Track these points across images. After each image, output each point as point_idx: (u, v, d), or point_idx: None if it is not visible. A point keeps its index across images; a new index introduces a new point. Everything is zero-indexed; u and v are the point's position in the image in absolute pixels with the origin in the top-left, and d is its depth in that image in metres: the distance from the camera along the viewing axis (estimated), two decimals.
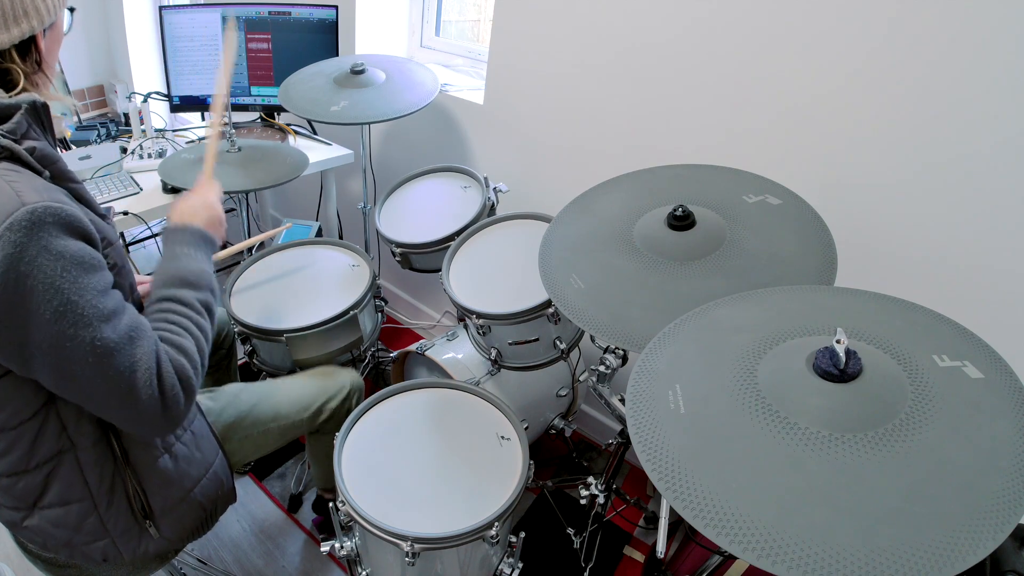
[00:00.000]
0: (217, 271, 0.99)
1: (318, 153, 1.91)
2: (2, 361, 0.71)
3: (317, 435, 1.31)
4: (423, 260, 1.51)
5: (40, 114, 0.76)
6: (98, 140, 1.99)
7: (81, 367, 0.70)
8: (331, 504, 1.06)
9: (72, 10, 0.85)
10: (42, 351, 0.68)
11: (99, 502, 0.86)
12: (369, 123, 1.57)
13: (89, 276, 0.70)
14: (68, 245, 0.68)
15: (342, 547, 1.12)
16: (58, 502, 0.85)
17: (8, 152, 0.69)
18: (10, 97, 0.73)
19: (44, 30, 0.76)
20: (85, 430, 0.82)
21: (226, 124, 1.64)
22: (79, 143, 1.92)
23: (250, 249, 1.97)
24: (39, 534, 0.87)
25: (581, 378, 1.66)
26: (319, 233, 1.73)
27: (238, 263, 1.56)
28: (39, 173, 0.72)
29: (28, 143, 0.72)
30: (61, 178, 0.75)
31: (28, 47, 0.75)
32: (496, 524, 1.00)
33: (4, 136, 0.69)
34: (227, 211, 1.22)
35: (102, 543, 0.89)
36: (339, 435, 1.13)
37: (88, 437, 0.83)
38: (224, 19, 1.90)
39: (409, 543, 0.97)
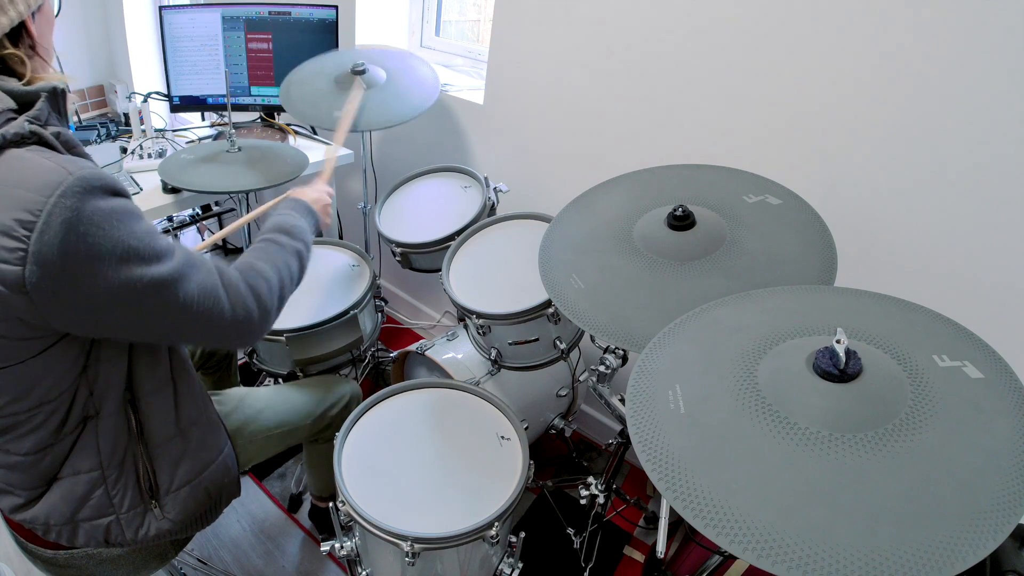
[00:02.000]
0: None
1: (318, 153, 1.91)
2: (73, 327, 0.73)
3: (315, 443, 1.32)
4: (423, 260, 1.51)
5: (59, 101, 0.78)
6: (98, 140, 1.98)
7: (153, 305, 0.74)
8: (331, 504, 1.06)
9: None
10: (115, 300, 0.71)
11: (108, 475, 0.87)
12: (371, 131, 1.57)
13: (140, 222, 0.73)
14: (115, 202, 0.71)
15: (342, 547, 1.12)
16: (70, 472, 0.86)
17: (37, 137, 0.71)
18: (24, 85, 0.75)
19: (32, 14, 0.77)
20: (111, 397, 0.84)
21: (226, 124, 1.65)
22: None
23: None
24: (44, 512, 0.87)
25: (581, 378, 1.66)
26: (319, 233, 1.73)
27: None
28: None
29: (52, 128, 0.74)
30: None
31: (19, 32, 0.76)
32: (496, 524, 1.00)
33: (31, 122, 0.71)
34: (227, 211, 1.22)
35: (107, 520, 0.89)
36: (339, 435, 1.13)
37: (110, 405, 0.84)
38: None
39: (409, 543, 0.97)
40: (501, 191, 1.52)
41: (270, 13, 1.90)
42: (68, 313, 0.70)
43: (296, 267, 0.98)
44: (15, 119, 0.70)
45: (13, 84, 0.74)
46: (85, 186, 0.67)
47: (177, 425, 0.93)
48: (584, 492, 1.30)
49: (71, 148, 0.75)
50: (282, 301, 0.93)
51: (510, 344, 1.29)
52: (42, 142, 0.71)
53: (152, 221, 0.83)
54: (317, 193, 1.19)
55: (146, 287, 0.72)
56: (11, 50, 0.75)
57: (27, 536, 0.92)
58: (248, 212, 2.04)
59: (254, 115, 2.10)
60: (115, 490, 0.88)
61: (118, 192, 0.72)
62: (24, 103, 0.73)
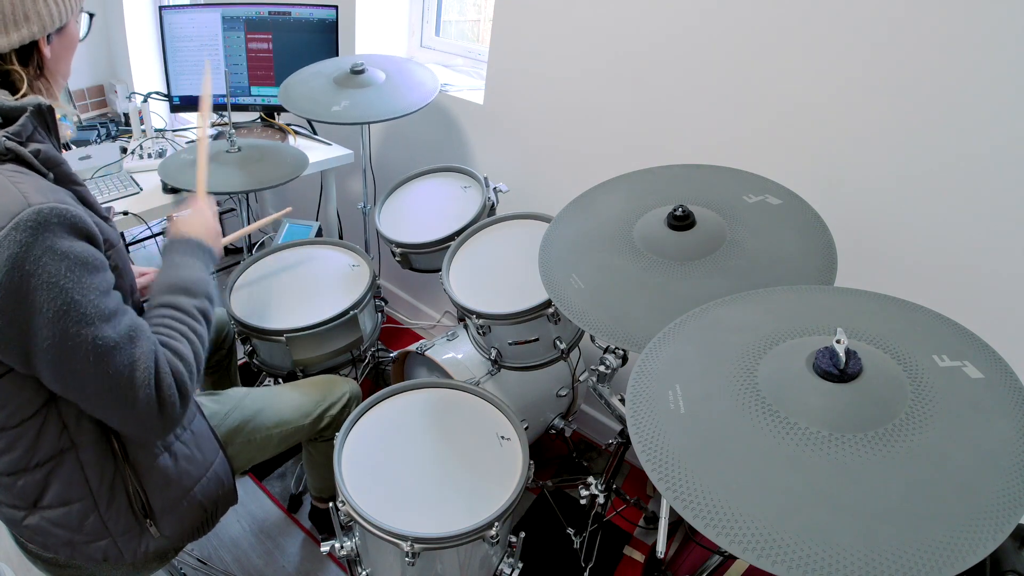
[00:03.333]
0: (217, 271, 1.00)
1: (318, 153, 1.91)
2: (5, 359, 0.71)
3: (315, 443, 1.32)
4: (423, 260, 1.51)
5: (45, 117, 0.77)
6: (98, 140, 1.98)
7: (81, 365, 0.71)
8: (331, 504, 1.06)
9: (91, 16, 0.85)
10: (44, 349, 0.69)
11: (100, 501, 0.86)
12: (370, 123, 1.57)
13: (92, 276, 0.71)
14: (73, 245, 0.68)
15: (342, 547, 1.12)
16: (59, 502, 0.85)
17: (13, 154, 0.70)
18: (15, 100, 0.73)
19: (49, 35, 0.76)
20: (86, 429, 0.82)
21: (226, 124, 1.65)
22: (79, 143, 1.92)
23: (250, 247, 1.98)
24: (40, 533, 0.87)
25: (581, 378, 1.66)
26: (319, 233, 1.73)
27: (238, 263, 1.56)
28: (43, 175, 0.73)
29: (33, 146, 0.72)
30: (65, 180, 0.76)
31: (30, 52, 0.76)
32: (496, 524, 1.00)
33: (9, 138, 0.70)
34: (227, 211, 1.22)
35: (103, 543, 0.89)
36: (339, 435, 1.13)
37: (89, 436, 0.83)
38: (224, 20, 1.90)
39: (409, 543, 0.97)
40: (501, 191, 1.52)
41: (270, 13, 1.90)
42: (2, 345, 0.69)
43: (204, 331, 0.90)
44: None
45: (2, 98, 0.72)
46: (41, 220, 0.65)
47: (162, 444, 0.92)
48: (584, 492, 1.30)
49: (53, 167, 0.74)
50: (199, 380, 0.86)
51: (510, 344, 1.29)
52: (19, 159, 0.70)
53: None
54: (201, 219, 1.07)
55: (78, 346, 0.70)
56: (15, 67, 0.74)
57: (27, 537, 0.92)
58: (248, 213, 2.04)
59: (254, 115, 2.10)
60: (108, 514, 0.88)
61: (81, 232, 0.70)
62: (9, 118, 0.71)
